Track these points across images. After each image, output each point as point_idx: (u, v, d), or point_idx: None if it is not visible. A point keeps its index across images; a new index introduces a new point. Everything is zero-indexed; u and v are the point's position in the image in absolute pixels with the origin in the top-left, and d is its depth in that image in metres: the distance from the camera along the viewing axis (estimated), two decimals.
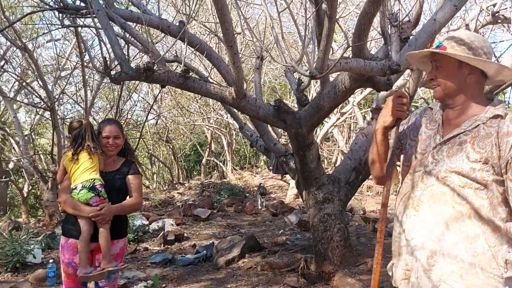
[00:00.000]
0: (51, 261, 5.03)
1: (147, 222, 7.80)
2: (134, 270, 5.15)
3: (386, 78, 3.73)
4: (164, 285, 4.78)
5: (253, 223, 8.61)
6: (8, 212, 16.33)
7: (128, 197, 3.17)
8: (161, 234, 6.93)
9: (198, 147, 18.11)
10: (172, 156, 20.15)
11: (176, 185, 17.47)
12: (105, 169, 3.12)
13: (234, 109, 6.93)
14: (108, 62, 4.01)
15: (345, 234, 4.91)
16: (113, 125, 3.18)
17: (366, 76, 3.67)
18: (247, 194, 12.58)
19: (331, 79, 4.64)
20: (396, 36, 3.93)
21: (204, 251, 5.85)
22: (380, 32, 3.78)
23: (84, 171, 2.99)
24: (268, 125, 5.69)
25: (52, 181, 9.50)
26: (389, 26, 3.81)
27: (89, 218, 2.93)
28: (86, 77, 9.25)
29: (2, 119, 12.20)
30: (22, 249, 5.52)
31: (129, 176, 3.13)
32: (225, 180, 15.97)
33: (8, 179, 13.27)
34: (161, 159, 20.68)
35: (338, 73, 4.07)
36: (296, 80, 5.10)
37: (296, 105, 5.07)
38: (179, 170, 20.11)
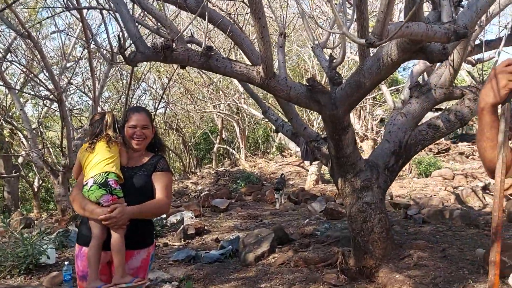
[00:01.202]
0: (66, 263, 4.63)
1: (165, 216, 7.40)
2: (157, 270, 4.74)
3: (442, 47, 3.24)
4: None
5: (275, 213, 8.19)
6: (20, 207, 16.12)
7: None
8: (181, 228, 6.53)
9: (210, 135, 17.62)
10: (183, 145, 19.73)
11: (188, 174, 17.12)
12: (128, 164, 2.67)
13: (257, 92, 6.47)
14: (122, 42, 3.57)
15: (387, 225, 4.46)
16: (142, 114, 2.70)
17: (420, 45, 3.19)
18: (264, 182, 12.16)
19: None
20: (448, 1, 3.43)
21: (230, 246, 5.44)
22: None
23: (98, 163, 2.53)
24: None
25: (63, 175, 9.13)
26: None
27: (101, 221, 2.47)
28: (94, 65, 8.80)
29: (9, 113, 11.81)
30: (35, 250, 5.14)
31: (156, 173, 2.63)
32: (239, 168, 15.56)
33: (18, 173, 12.96)
34: (170, 148, 20.26)
35: (385, 44, 3.57)
36: (327, 57, 4.63)
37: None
38: (191, 159, 19.71)
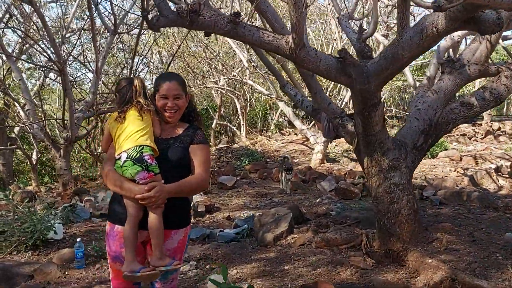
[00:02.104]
0: (78, 239, 4.42)
1: None
2: None
3: (496, 17, 3.00)
4: (207, 266, 4.20)
5: (283, 191, 8.00)
6: (16, 180, 15.85)
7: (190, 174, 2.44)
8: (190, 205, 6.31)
9: (211, 111, 17.31)
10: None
11: None
12: (161, 135, 2.41)
13: (274, 65, 6.18)
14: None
15: (415, 207, 4.27)
16: (173, 82, 2.40)
17: (472, 14, 2.94)
18: (267, 160, 11.95)
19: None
20: None
21: (245, 225, 5.25)
22: None
23: (131, 135, 2.28)
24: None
25: (65, 148, 8.86)
26: None
27: (136, 199, 2.25)
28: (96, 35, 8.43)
29: (6, 83, 11.36)
30: (43, 225, 4.91)
31: (193, 146, 2.38)
32: (240, 145, 15.31)
33: (15, 146, 12.66)
34: None
35: (429, 13, 3.31)
36: (355, 29, 4.36)
37: None
38: None
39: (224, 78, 14.38)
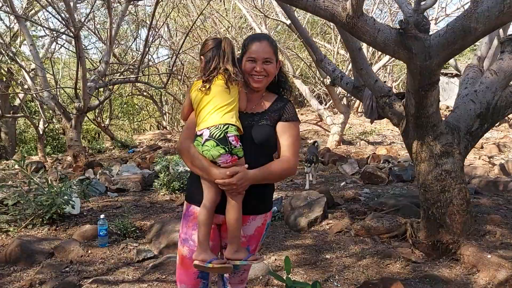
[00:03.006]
0: (102, 216, 4.11)
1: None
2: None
3: None
4: None
5: (304, 173, 7.68)
6: (18, 149, 15.53)
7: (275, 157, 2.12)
8: None
9: None
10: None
11: None
12: (246, 109, 2.07)
13: (309, 37, 5.76)
14: None
15: (467, 196, 3.95)
16: (263, 42, 2.05)
17: None
18: None
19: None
20: None
21: (275, 208, 4.94)
22: None
23: (216, 110, 1.94)
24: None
25: (76, 118, 8.50)
26: None
27: (215, 183, 1.95)
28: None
29: (11, 46, 10.84)
30: (61, 199, 4.60)
31: (281, 123, 2.04)
32: None
33: (22, 114, 12.31)
34: (172, 98, 19.44)
35: None
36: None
37: None
38: None
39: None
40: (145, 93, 16.88)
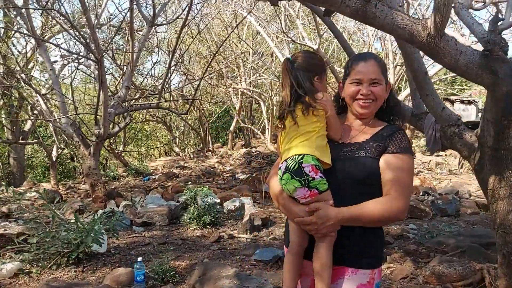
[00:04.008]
0: (139, 259, 3.66)
1: (219, 200, 6.44)
2: (237, 272, 3.75)
3: None
4: None
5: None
6: (30, 176, 15.16)
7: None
8: (247, 219, 5.55)
9: (234, 113, 16.51)
10: (199, 121, 18.64)
11: (207, 153, 16.21)
12: (342, 139, 1.77)
13: None
14: None
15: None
16: (370, 62, 1.78)
17: None
18: None
19: None
20: None
21: None
22: None
23: (292, 140, 1.72)
24: None
25: (95, 146, 8.12)
26: None
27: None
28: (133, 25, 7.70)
29: (26, 71, 10.53)
30: (90, 236, 4.16)
31: (387, 156, 1.69)
32: (265, 150, 14.55)
33: (36, 141, 11.99)
34: (182, 124, 19.14)
35: None
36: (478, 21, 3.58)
37: None
38: (209, 137, 18.69)
39: (257, 78, 13.62)
40: (158, 119, 16.61)
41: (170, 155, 18.53)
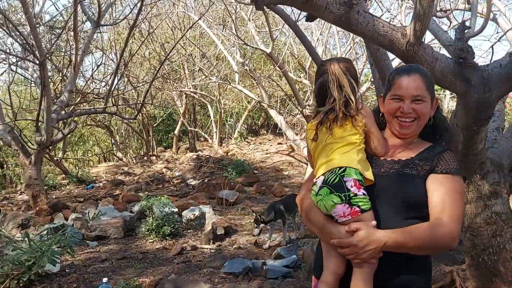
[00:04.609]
0: (105, 280, 3.36)
1: (176, 210, 6.19)
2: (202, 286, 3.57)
3: None
4: None
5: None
6: None
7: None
8: (210, 228, 5.36)
9: (183, 117, 16.13)
10: (142, 125, 18.04)
11: (152, 158, 15.74)
12: (385, 156, 1.63)
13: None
14: None
15: None
16: (414, 76, 1.60)
17: None
18: (255, 171, 11.11)
19: None
20: None
21: (294, 256, 4.40)
22: None
23: (332, 152, 1.56)
24: None
25: (37, 154, 7.55)
26: None
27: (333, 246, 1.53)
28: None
29: None
30: (46, 257, 3.79)
31: (435, 176, 1.55)
32: (213, 154, 14.33)
33: None
34: (123, 128, 18.46)
35: None
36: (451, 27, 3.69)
37: None
38: (154, 142, 18.17)
39: (204, 81, 13.39)
40: (100, 124, 15.89)
41: (111, 161, 17.78)
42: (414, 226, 1.49)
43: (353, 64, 1.66)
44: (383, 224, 1.50)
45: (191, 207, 6.18)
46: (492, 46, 4.34)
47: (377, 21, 2.90)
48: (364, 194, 1.49)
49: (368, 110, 1.61)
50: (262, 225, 5.01)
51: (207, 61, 12.61)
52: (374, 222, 1.48)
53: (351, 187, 1.47)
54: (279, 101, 14.72)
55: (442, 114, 1.73)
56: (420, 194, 1.53)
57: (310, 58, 11.68)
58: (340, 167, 1.50)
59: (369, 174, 1.53)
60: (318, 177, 1.55)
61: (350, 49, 9.63)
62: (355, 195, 1.47)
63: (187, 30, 9.63)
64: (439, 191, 1.52)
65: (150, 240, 5.40)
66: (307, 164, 10.85)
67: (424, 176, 1.55)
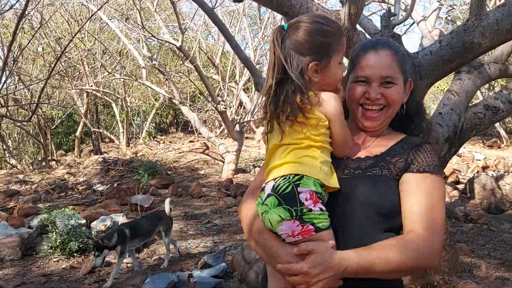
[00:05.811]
0: None
1: (84, 221, 5.50)
2: None
3: None
4: None
5: (217, 210, 6.86)
6: None
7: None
8: None
9: (85, 117, 14.92)
10: (38, 128, 16.45)
11: (51, 163, 14.42)
12: (350, 154, 1.30)
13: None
14: None
15: (449, 230, 3.63)
16: (383, 52, 1.28)
17: None
18: (169, 172, 10.55)
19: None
20: None
21: (223, 264, 4.03)
22: None
23: (289, 152, 1.21)
24: None
25: None
26: None
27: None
28: None
29: None
30: None
31: (410, 175, 1.24)
32: (121, 155, 13.43)
33: None
34: (16, 132, 16.74)
35: None
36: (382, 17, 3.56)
37: None
38: (53, 145, 16.66)
39: (106, 78, 12.45)
40: None
41: (3, 168, 15.98)
42: (383, 244, 1.16)
43: (319, 25, 1.19)
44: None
45: (101, 217, 5.53)
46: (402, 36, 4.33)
47: (311, 3, 2.65)
48: (321, 209, 1.16)
49: (331, 99, 1.21)
50: (106, 251, 3.98)
51: (109, 57, 11.69)
52: (332, 242, 1.15)
53: (306, 200, 1.14)
54: (188, 97, 14.23)
55: (418, 100, 1.42)
56: (393, 201, 1.22)
57: (220, 53, 11.40)
58: (296, 175, 1.16)
59: (333, 182, 1.20)
60: (268, 182, 1.21)
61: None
62: (310, 210, 1.14)
63: (85, 23, 8.75)
64: (415, 195, 1.21)
65: (55, 259, 4.71)
66: (223, 162, 10.56)
67: (397, 177, 1.24)
